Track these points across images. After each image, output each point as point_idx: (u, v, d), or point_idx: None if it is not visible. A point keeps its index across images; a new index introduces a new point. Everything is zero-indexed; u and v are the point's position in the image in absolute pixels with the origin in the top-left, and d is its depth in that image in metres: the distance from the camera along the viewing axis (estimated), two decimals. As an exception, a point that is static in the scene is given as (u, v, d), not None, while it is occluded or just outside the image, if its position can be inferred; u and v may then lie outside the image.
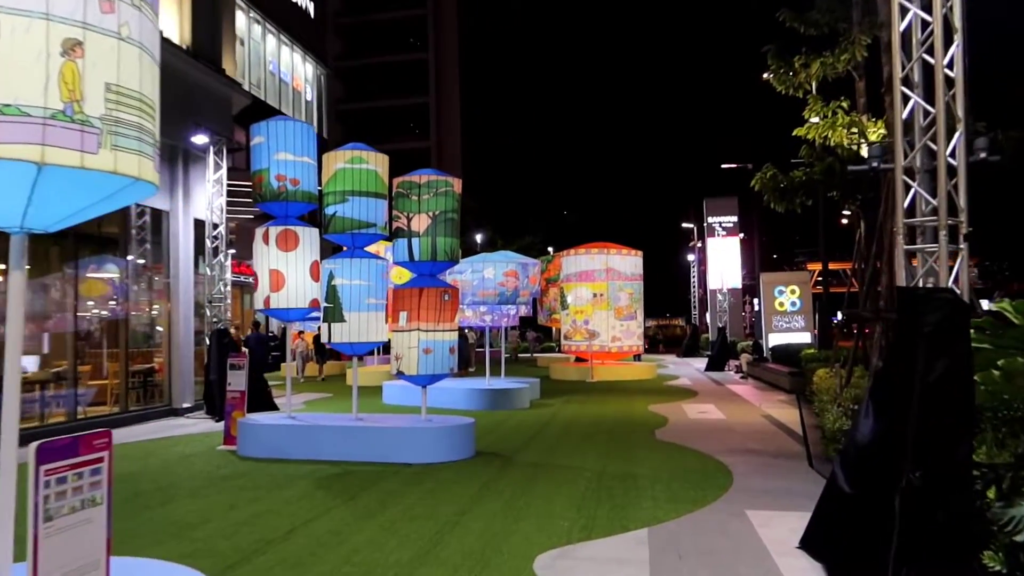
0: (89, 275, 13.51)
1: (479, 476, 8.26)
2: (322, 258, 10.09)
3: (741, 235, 40.11)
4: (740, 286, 39.58)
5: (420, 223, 9.48)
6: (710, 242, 40.10)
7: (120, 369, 13.37)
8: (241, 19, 29.68)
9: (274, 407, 14.56)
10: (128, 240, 13.98)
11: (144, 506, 6.97)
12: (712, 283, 39.76)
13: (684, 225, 46.02)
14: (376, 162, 9.81)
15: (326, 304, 9.75)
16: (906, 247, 5.96)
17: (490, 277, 15.41)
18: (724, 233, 37.56)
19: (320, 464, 8.97)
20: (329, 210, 9.74)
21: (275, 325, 34.36)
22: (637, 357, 26.99)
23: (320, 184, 10.03)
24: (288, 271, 9.83)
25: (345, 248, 9.98)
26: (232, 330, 16.10)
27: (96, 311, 13.48)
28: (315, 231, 10.15)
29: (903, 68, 6.23)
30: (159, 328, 14.64)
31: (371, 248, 10.24)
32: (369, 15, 68.42)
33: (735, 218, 39.84)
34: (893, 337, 4.81)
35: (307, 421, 9.81)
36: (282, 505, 7.01)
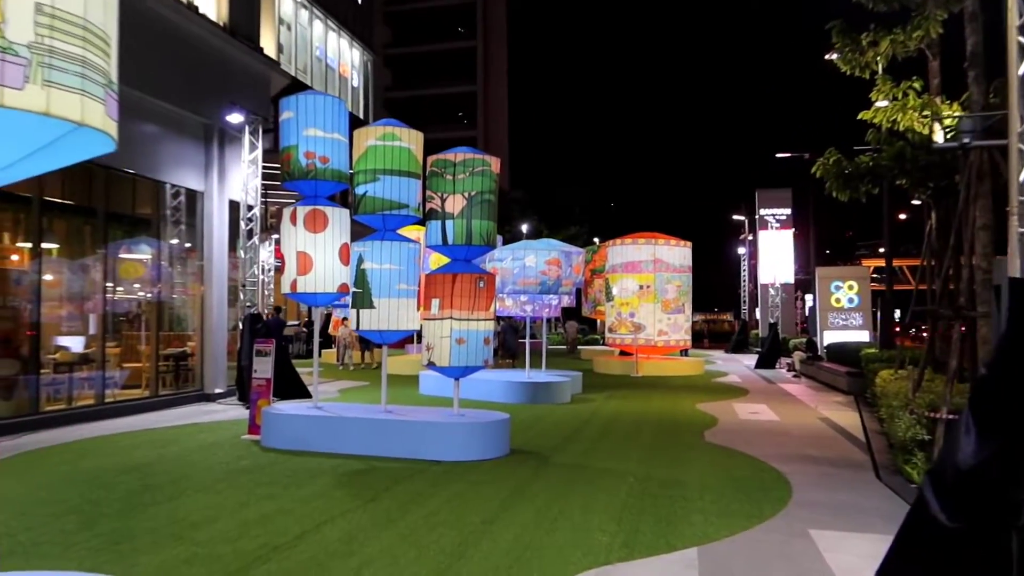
0: (122, 256, 13.23)
1: (511, 478, 7.63)
2: (352, 241, 9.54)
3: (793, 229, 38.67)
4: (792, 281, 38.20)
5: (455, 204, 8.86)
6: (762, 235, 38.74)
7: (151, 352, 13.07)
8: (288, 4, 29.47)
9: (306, 393, 14.16)
10: (162, 221, 13.67)
11: (151, 501, 6.50)
12: (763, 277, 38.44)
13: (735, 217, 44.65)
14: (409, 139, 9.22)
15: (355, 289, 9.21)
16: (1021, 229, 5.12)
17: (531, 265, 14.74)
18: (778, 225, 36.19)
19: (344, 459, 8.44)
20: (359, 189, 9.19)
21: (316, 312, 34.45)
22: (684, 352, 26.11)
23: (351, 162, 9.48)
24: (316, 253, 9.31)
25: (376, 230, 9.43)
26: (266, 314, 15.77)
27: (129, 293, 13.21)
28: (345, 212, 9.61)
29: (1020, 15, 5.35)
30: (192, 312, 14.33)
31: (407, 231, 9.67)
32: (417, 2, 68.20)
33: (788, 211, 38.40)
34: (1003, 339, 3.93)
35: (333, 412, 9.30)
36: (297, 504, 6.48)
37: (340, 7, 34.88)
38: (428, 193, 9.07)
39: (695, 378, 21.37)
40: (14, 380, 10.31)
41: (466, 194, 8.83)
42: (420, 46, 67.86)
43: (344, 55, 35.68)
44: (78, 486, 7.03)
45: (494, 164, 9.04)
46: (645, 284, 22.66)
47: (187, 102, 13.40)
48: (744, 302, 41.01)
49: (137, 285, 13.30)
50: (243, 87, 14.55)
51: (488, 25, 68.64)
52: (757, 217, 39.03)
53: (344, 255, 9.50)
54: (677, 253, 22.97)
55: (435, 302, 8.89)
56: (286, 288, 9.48)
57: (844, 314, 22.96)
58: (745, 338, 38.69)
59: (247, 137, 14.19)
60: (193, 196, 14.09)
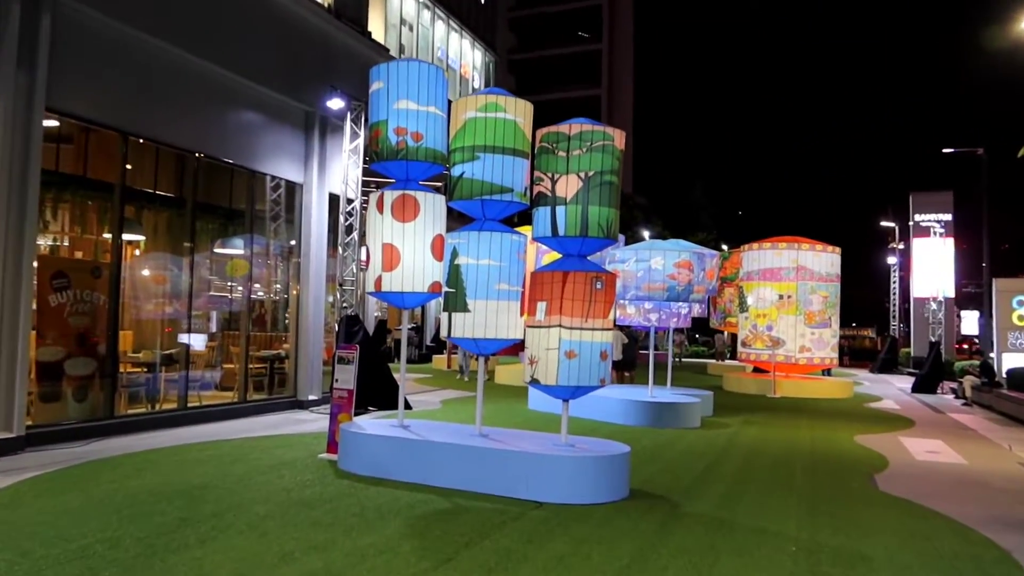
0: (216, 251, 12.44)
1: (631, 536, 5.89)
2: (448, 232, 8.10)
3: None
4: (953, 295, 34.05)
5: (568, 186, 7.22)
6: (916, 243, 34.79)
7: (241, 354, 12.18)
8: (410, 3, 28.90)
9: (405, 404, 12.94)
10: (258, 215, 12.81)
11: (177, 545, 5.22)
12: (917, 290, 34.51)
13: (882, 224, 40.61)
14: (516, 110, 7.67)
15: (448, 289, 7.75)
16: None
17: (658, 268, 12.88)
18: (943, 232, 32.20)
19: (428, 493, 6.97)
20: (456, 170, 7.73)
21: (430, 314, 33.57)
22: (827, 371, 23.30)
23: (450, 143, 8.05)
24: (405, 246, 7.92)
25: (474, 220, 7.96)
26: (376, 317, 14.69)
27: (219, 291, 12.40)
28: (440, 198, 8.19)
29: None
30: (287, 312, 13.41)
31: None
32: (542, 7, 67.25)
33: (949, 216, 34.31)
34: None
35: (417, 434, 7.85)
36: (353, 560, 5.02)
37: (463, 8, 34.16)
38: (536, 174, 7.48)
39: (843, 402, 18.74)
40: (89, 380, 9.53)
41: (582, 174, 7.18)
42: (544, 50, 66.85)
43: (466, 56, 34.89)
44: (107, 515, 5.88)
45: (617, 138, 7.34)
46: (785, 294, 20.19)
47: (288, 88, 12.48)
48: (894, 317, 37.05)
49: (230, 282, 12.48)
50: (347, 73, 13.53)
51: (614, 28, 66.75)
52: (911, 223, 35.15)
53: (437, 248, 8.07)
54: (824, 260, 20.36)
55: (541, 306, 7.29)
56: (370, 286, 8.14)
57: (1028, 334, 19.61)
58: (894, 357, 34.95)
59: (348, 125, 13.14)
60: (292, 188, 13.17)
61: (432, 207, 8.07)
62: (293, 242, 13.27)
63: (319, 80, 13.00)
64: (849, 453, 10.53)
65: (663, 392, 14.02)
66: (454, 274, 7.68)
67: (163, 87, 10.38)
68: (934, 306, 25.33)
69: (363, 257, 13.78)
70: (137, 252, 10.96)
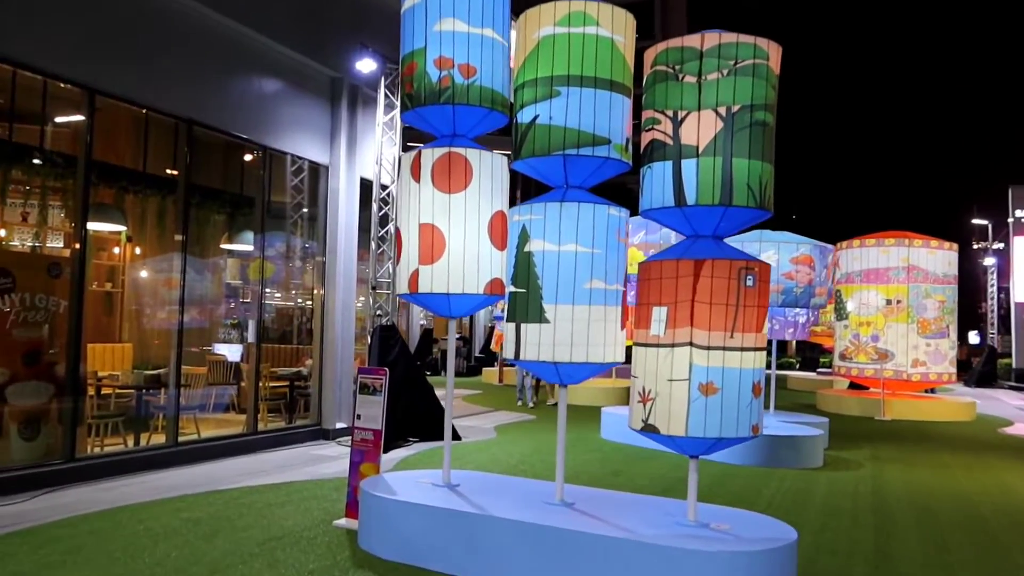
0: (221, 246, 10.23)
1: None
2: (512, 207, 5.64)
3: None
4: (1060, 300, 30.45)
5: (701, 129, 4.67)
6: (1018, 242, 31.31)
7: (250, 372, 9.90)
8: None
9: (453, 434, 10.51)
10: (276, 204, 10.56)
11: None
12: (1020, 294, 31.01)
13: (974, 221, 36.92)
14: (613, 24, 5.19)
15: (513, 288, 5.29)
16: None
17: (771, 265, 10.21)
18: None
19: (486, 602, 4.50)
20: (525, 113, 5.27)
21: (480, 321, 31.00)
22: (931, 389, 20.20)
23: (514, 76, 5.60)
24: (452, 228, 5.50)
25: (552, 188, 5.50)
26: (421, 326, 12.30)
27: (222, 294, 10.18)
28: (501, 159, 5.75)
29: None
30: (309, 320, 11.12)
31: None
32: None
33: (1056, 211, 30.76)
34: None
35: (473, 501, 5.37)
36: None
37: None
38: (646, 115, 4.95)
39: (970, 427, 15.74)
40: (43, 411, 7.31)
41: (722, 109, 4.63)
42: None
43: None
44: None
45: (773, 54, 4.78)
46: (894, 298, 17.24)
47: (309, 47, 10.19)
48: (992, 324, 33.44)
49: (238, 285, 10.24)
50: (380, 30, 11.20)
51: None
52: (1011, 220, 31.62)
53: (497, 230, 5.62)
54: (940, 259, 17.35)
55: (659, 314, 4.76)
56: (402, 286, 5.72)
57: None
58: (993, 369, 31.40)
59: (382, 93, 10.79)
60: (316, 171, 10.88)
61: (490, 171, 5.63)
62: (316, 236, 10.98)
63: (347, 40, 10.70)
64: (1052, 512, 7.74)
65: (768, 419, 11.32)
66: (523, 267, 5.21)
67: (147, 34, 8.15)
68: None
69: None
70: (117, 248, 8.76)
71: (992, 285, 33.69)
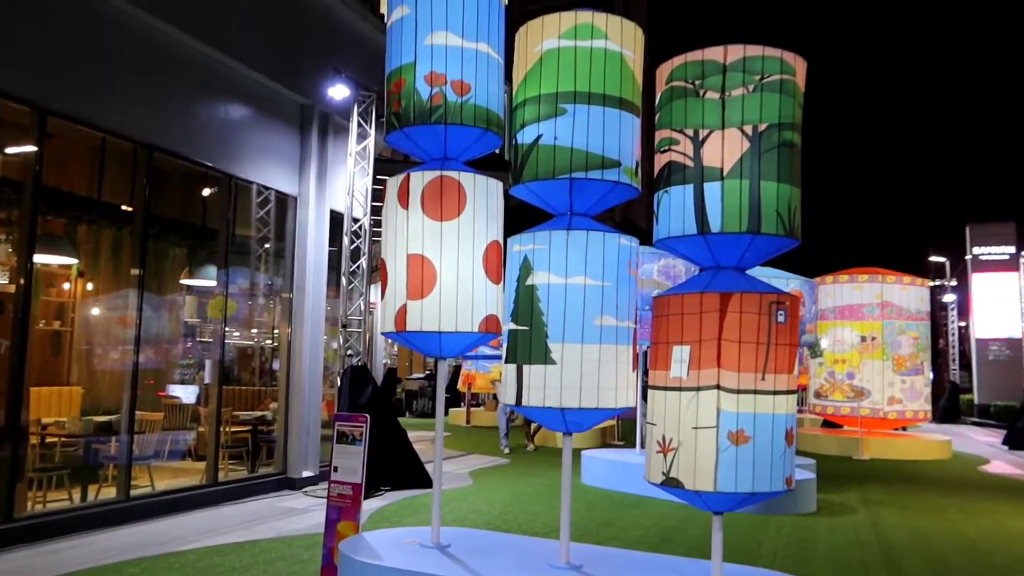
0: (182, 281, 9.55)
1: None
2: (509, 236, 5.14)
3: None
4: (1019, 335, 30.90)
5: (726, 149, 4.26)
6: (976, 279, 31.82)
7: (211, 416, 9.16)
8: None
9: (426, 480, 9.89)
10: (240, 237, 9.94)
11: None
12: (981, 331, 31.44)
13: (931, 259, 37.60)
14: (623, 37, 4.80)
15: (514, 326, 4.77)
16: None
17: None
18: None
19: None
20: (526, 133, 4.82)
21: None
22: (904, 426, 20.06)
23: (513, 93, 5.15)
24: (444, 259, 4.98)
25: (556, 215, 5.03)
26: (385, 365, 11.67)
27: (180, 333, 9.48)
28: (496, 184, 5.28)
29: None
30: (275, 361, 10.43)
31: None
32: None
33: (1012, 248, 31.37)
34: None
35: (464, 564, 4.77)
36: None
37: None
38: (663, 135, 4.52)
39: (948, 465, 15.57)
40: (-25, 465, 6.52)
41: (748, 128, 4.23)
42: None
43: None
44: None
45: (799, 69, 4.41)
46: (869, 335, 17.11)
47: (279, 72, 9.69)
48: (953, 360, 33.82)
49: (195, 321, 9.55)
50: (356, 61, 10.75)
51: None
52: (969, 257, 32.18)
53: (492, 262, 5.13)
54: (913, 295, 17.33)
55: (680, 353, 4.28)
56: (388, 323, 5.16)
57: None
58: (956, 404, 31.65)
59: (355, 121, 10.30)
60: (283, 202, 10.30)
61: (485, 197, 5.14)
62: (284, 271, 10.35)
63: (318, 66, 10.23)
64: (1066, 559, 7.39)
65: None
66: (526, 302, 4.71)
67: (106, 52, 7.57)
68: (1004, 349, 22.17)
69: (376, 297, 10.88)
70: (67, 283, 8.05)
71: (952, 322, 34.15)
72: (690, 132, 4.34)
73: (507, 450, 14.75)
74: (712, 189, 4.23)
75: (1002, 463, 16.27)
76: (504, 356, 4.85)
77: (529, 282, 4.69)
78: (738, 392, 4.12)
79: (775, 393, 4.15)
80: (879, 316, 17.10)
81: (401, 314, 5.02)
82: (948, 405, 31.55)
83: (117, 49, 7.67)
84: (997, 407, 28.76)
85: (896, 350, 17.01)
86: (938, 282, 37.12)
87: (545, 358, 4.58)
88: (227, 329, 9.38)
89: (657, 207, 4.53)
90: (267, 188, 10.01)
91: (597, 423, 4.83)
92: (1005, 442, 20.21)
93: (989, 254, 31.55)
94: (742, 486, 4.08)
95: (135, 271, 8.07)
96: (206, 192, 9.63)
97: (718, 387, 4.14)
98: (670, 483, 4.27)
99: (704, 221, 4.24)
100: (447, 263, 4.97)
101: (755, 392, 4.12)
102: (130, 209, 8.38)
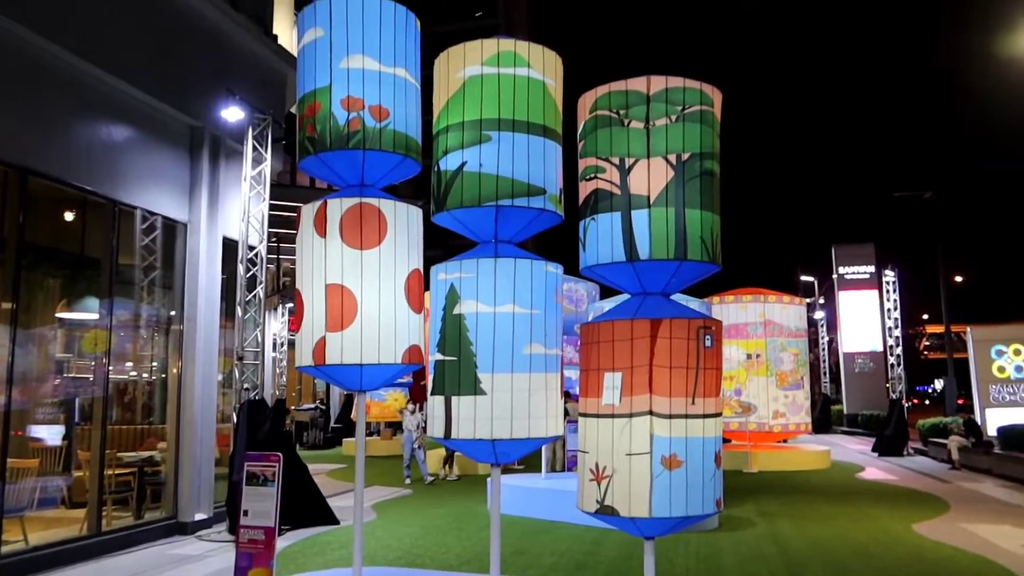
0: (58, 315, 8.82)
1: None
2: (429, 266, 5.02)
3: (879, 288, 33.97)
4: (881, 348, 33.22)
5: (652, 177, 4.33)
6: (843, 296, 34.04)
7: (94, 460, 8.46)
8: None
9: (330, 517, 9.51)
10: (124, 266, 9.29)
11: None
12: (847, 345, 33.59)
13: (801, 278, 39.99)
14: (545, 66, 4.82)
15: (441, 356, 4.64)
16: None
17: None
18: (870, 282, 31.37)
19: None
20: (450, 160, 4.74)
21: (334, 390, 29.35)
22: (785, 439, 21.13)
23: (433, 118, 5.06)
24: (364, 289, 4.81)
25: (480, 243, 4.96)
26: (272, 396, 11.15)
27: (58, 371, 8.75)
28: (416, 212, 5.16)
29: None
30: (163, 398, 9.78)
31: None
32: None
33: (872, 268, 33.77)
34: None
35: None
36: None
37: None
38: (588, 163, 4.55)
39: (830, 474, 16.43)
40: None
41: (672, 157, 4.32)
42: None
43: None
44: None
45: (715, 101, 4.56)
46: (754, 353, 17.94)
47: (166, 91, 9.18)
48: (825, 373, 35.95)
49: (73, 357, 8.85)
50: (249, 83, 10.35)
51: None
52: (836, 276, 34.41)
53: (414, 291, 4.99)
54: (792, 313, 18.32)
55: (611, 380, 4.29)
56: (306, 357, 4.92)
57: (1012, 387, 18.06)
58: (827, 416, 33.58)
59: (250, 145, 9.89)
60: (172, 229, 9.72)
61: (406, 224, 5.03)
62: (171, 302, 9.75)
63: (208, 86, 9.78)
64: (950, 561, 7.90)
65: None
66: (454, 332, 4.60)
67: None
68: (868, 362, 23.82)
69: (274, 331, 10.42)
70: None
71: (823, 337, 36.33)
72: (616, 160, 4.39)
73: (408, 480, 14.40)
74: (640, 216, 4.28)
75: (875, 469, 17.32)
76: (431, 387, 4.71)
77: (456, 311, 4.59)
78: (670, 417, 4.16)
79: (704, 416, 4.23)
80: (762, 335, 17.95)
81: (320, 347, 4.80)
82: (821, 416, 33.46)
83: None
84: (864, 416, 30.72)
85: (779, 366, 17.89)
86: (808, 300, 39.53)
87: (475, 388, 4.49)
88: (111, 364, 8.71)
89: (583, 234, 4.55)
90: (153, 214, 9.43)
91: (525, 453, 4.77)
92: (875, 449, 21.56)
93: (853, 273, 33.87)
94: (676, 511, 4.11)
95: (7, 304, 7.37)
96: (86, 216, 8.96)
97: (651, 412, 4.17)
98: (604, 511, 4.25)
99: (633, 248, 4.28)
100: (368, 293, 4.81)
101: (686, 416, 4.18)
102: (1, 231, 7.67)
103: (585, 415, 4.43)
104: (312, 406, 26.74)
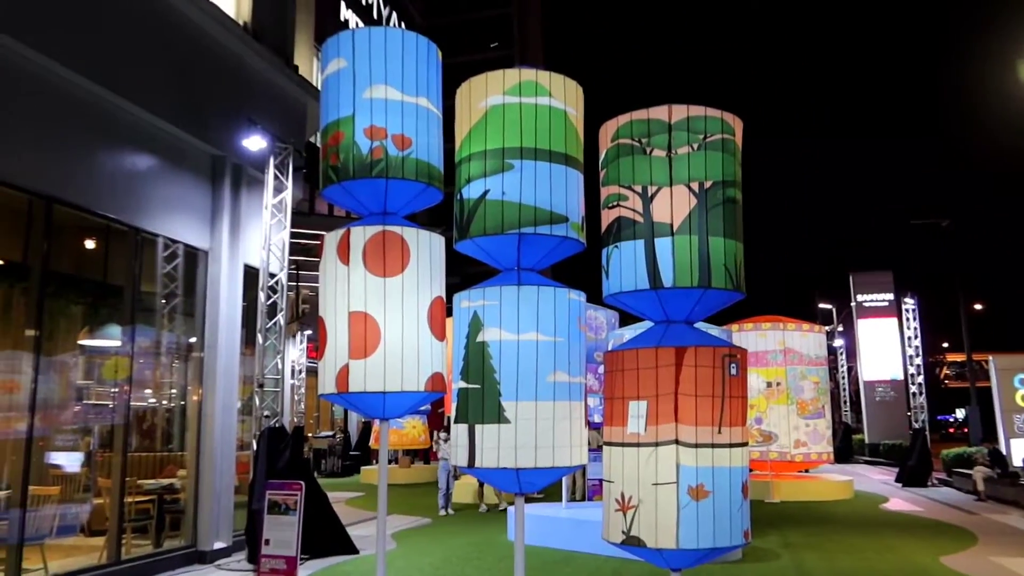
0: (80, 342, 8.89)
1: None
2: (452, 293, 5.03)
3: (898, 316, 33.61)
4: (901, 376, 32.79)
5: (675, 205, 4.32)
6: (862, 324, 33.70)
7: (114, 488, 8.47)
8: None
9: (349, 546, 9.43)
10: (146, 294, 9.37)
11: None
12: (868, 373, 33.18)
13: (820, 306, 39.69)
14: (566, 95, 4.85)
15: (465, 384, 4.63)
16: None
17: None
18: (888, 309, 31.08)
19: None
20: (472, 189, 4.76)
21: (352, 417, 29.31)
22: (806, 468, 20.83)
23: (455, 147, 5.09)
24: (388, 316, 4.82)
25: (503, 271, 4.96)
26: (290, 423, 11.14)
27: (79, 399, 8.79)
28: (438, 239, 5.18)
29: None
30: (183, 425, 9.79)
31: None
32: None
33: (891, 296, 33.47)
34: None
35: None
36: None
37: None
38: (610, 191, 4.55)
39: (853, 504, 16.16)
40: None
41: (695, 185, 4.32)
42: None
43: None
44: None
45: (736, 130, 4.56)
46: (774, 381, 17.75)
47: (189, 122, 9.32)
48: (845, 402, 35.50)
49: (93, 384, 8.89)
50: (270, 112, 10.50)
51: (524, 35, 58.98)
52: (854, 304, 34.11)
53: (437, 319, 4.99)
54: (812, 341, 18.13)
55: (636, 409, 4.25)
56: (328, 385, 4.92)
57: (1037, 416, 17.74)
58: (848, 445, 33.11)
59: (271, 172, 10.00)
60: (193, 256, 9.81)
61: (428, 252, 5.04)
62: (193, 329, 9.81)
63: (230, 117, 9.92)
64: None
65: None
66: (477, 359, 4.58)
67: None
68: (889, 390, 23.50)
69: (293, 358, 10.45)
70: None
71: (842, 365, 35.95)
72: (639, 188, 4.39)
73: (444, 512, 13.88)
74: (663, 244, 4.27)
75: (899, 500, 17.02)
76: (454, 416, 4.69)
77: (480, 339, 4.58)
78: (696, 446, 4.11)
79: (731, 446, 4.17)
80: (783, 363, 17.77)
81: (343, 374, 4.80)
82: (842, 445, 33.01)
83: (5, 92, 7.17)
84: (886, 446, 30.26)
85: (799, 395, 17.67)
86: (827, 327, 39.20)
87: (499, 417, 4.46)
88: (132, 392, 8.76)
89: (606, 262, 4.54)
90: (175, 241, 9.52)
91: (549, 483, 4.72)
92: (898, 479, 21.20)
93: (871, 301, 33.55)
94: (704, 542, 4.04)
95: (30, 332, 7.44)
96: (110, 244, 9.06)
97: (676, 442, 4.12)
98: (631, 542, 4.19)
99: (656, 276, 4.26)
100: (391, 320, 4.81)
101: (712, 446, 4.12)
102: (26, 258, 7.77)
103: (610, 444, 4.39)
104: (330, 433, 26.74)
